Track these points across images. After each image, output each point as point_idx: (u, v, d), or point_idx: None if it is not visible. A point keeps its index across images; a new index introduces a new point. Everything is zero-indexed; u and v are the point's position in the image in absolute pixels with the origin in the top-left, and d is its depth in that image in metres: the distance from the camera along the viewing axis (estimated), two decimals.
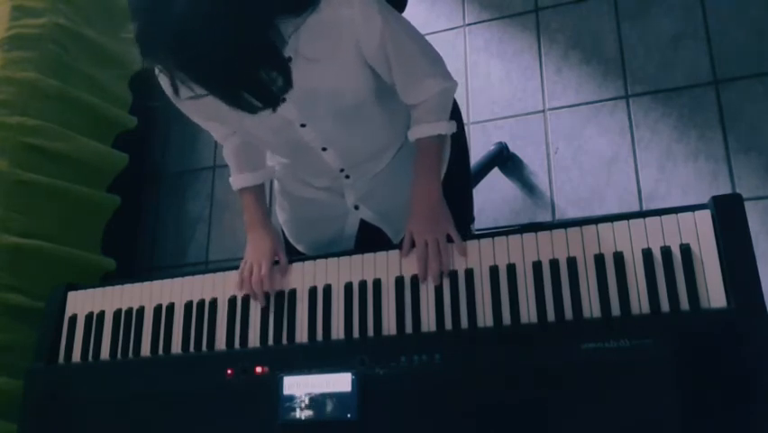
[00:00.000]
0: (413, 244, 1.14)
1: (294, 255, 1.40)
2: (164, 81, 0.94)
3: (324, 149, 1.18)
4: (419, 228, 1.14)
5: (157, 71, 1.00)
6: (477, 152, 2.08)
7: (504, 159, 2.09)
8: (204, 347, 1.22)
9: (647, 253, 1.02)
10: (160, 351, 1.25)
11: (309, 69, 1.01)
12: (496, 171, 2.10)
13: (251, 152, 1.30)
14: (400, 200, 1.23)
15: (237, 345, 1.20)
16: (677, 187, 1.91)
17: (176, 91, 0.90)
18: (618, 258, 1.03)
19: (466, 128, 2.17)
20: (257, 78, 0.90)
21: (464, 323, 1.07)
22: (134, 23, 0.87)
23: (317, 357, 1.12)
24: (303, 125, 1.12)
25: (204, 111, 1.14)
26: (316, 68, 1.03)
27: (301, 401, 1.08)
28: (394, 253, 1.16)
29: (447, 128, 1.20)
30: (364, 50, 1.06)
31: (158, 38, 0.86)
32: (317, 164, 1.22)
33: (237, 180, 1.31)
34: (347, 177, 1.27)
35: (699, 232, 1.01)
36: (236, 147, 1.29)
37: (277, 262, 1.23)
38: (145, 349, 1.27)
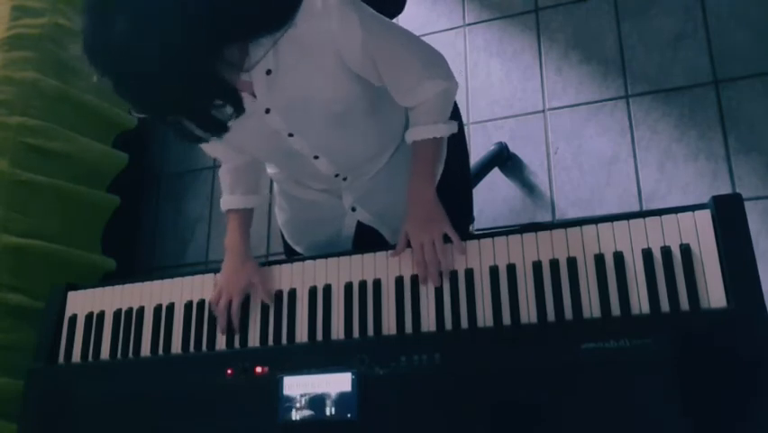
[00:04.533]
0: (408, 245, 1.14)
1: (293, 256, 1.41)
2: None
3: (315, 157, 1.17)
4: (415, 230, 1.14)
5: None
6: (477, 152, 2.08)
7: (504, 159, 2.09)
8: (204, 347, 1.22)
9: (647, 253, 1.02)
10: (160, 351, 1.25)
11: (291, 80, 1.00)
12: (496, 171, 2.10)
13: (248, 175, 1.30)
14: (397, 201, 1.22)
15: (237, 345, 1.20)
16: (677, 187, 1.91)
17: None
18: (618, 258, 1.03)
19: (466, 128, 2.17)
20: (201, 109, 0.88)
21: (464, 323, 1.07)
22: (82, 40, 0.85)
23: (317, 357, 1.12)
24: (290, 135, 1.11)
25: None
26: (299, 78, 1.02)
27: (301, 401, 1.08)
28: None
29: (445, 130, 1.18)
30: (347, 60, 1.03)
31: (99, 58, 0.84)
32: (312, 171, 1.22)
33: (227, 201, 1.30)
34: (344, 179, 1.27)
35: (699, 232, 1.01)
36: (234, 168, 1.28)
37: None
38: (145, 349, 1.27)
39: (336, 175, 1.24)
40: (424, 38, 1.17)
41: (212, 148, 1.25)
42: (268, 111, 1.04)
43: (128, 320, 1.30)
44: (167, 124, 0.90)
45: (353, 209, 1.31)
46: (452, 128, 1.20)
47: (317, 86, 1.05)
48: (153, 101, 0.87)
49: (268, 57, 0.93)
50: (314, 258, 1.22)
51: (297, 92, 1.04)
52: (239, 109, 0.91)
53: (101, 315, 1.33)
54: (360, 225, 1.33)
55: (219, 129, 0.91)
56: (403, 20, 1.77)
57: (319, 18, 0.97)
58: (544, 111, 2.13)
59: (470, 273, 1.10)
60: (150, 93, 0.85)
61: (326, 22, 0.98)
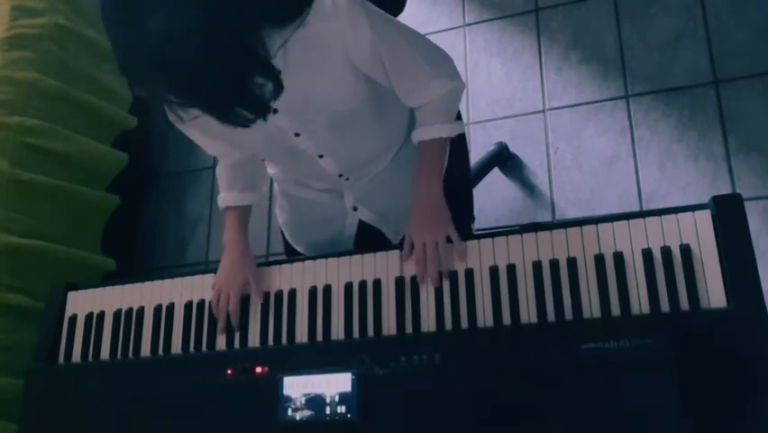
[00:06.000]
0: (413, 247, 1.14)
1: (294, 256, 1.41)
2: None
3: (320, 156, 1.17)
4: (418, 230, 1.14)
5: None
6: (477, 152, 2.08)
7: (504, 159, 2.09)
8: (204, 347, 1.22)
9: (647, 253, 1.02)
10: (160, 351, 1.25)
11: (300, 80, 1.00)
12: (496, 171, 2.10)
13: (245, 172, 1.29)
14: (399, 201, 1.22)
15: (237, 345, 1.20)
16: (677, 187, 1.91)
17: (167, 117, 0.90)
18: (618, 258, 1.03)
19: (466, 128, 2.17)
20: (246, 89, 0.89)
21: (464, 323, 1.07)
22: (115, 54, 0.85)
23: (317, 357, 1.12)
24: (297, 135, 1.11)
25: (201, 128, 1.14)
26: (307, 79, 1.02)
27: (301, 402, 1.08)
28: (394, 254, 1.16)
29: (452, 130, 1.18)
30: (355, 60, 1.04)
31: (140, 62, 0.84)
32: (316, 170, 1.22)
33: (224, 198, 1.30)
34: (346, 179, 1.26)
35: (699, 232, 1.01)
36: (231, 164, 1.28)
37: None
38: (145, 349, 1.27)
39: (340, 175, 1.24)
40: None
41: (211, 146, 1.24)
42: (275, 111, 1.04)
43: (128, 320, 1.30)
44: (214, 111, 0.91)
45: (355, 209, 1.31)
46: (459, 128, 1.20)
47: (325, 86, 1.05)
48: (197, 88, 0.87)
49: (277, 57, 0.93)
50: (314, 258, 1.22)
51: (306, 93, 1.04)
52: (278, 86, 0.92)
53: (101, 315, 1.33)
54: (361, 224, 1.33)
55: (263, 109, 0.92)
56: (403, 20, 1.76)
57: (329, 19, 0.98)
58: (544, 111, 2.13)
59: (470, 273, 1.10)
60: (194, 80, 0.86)
61: (336, 22, 0.98)
